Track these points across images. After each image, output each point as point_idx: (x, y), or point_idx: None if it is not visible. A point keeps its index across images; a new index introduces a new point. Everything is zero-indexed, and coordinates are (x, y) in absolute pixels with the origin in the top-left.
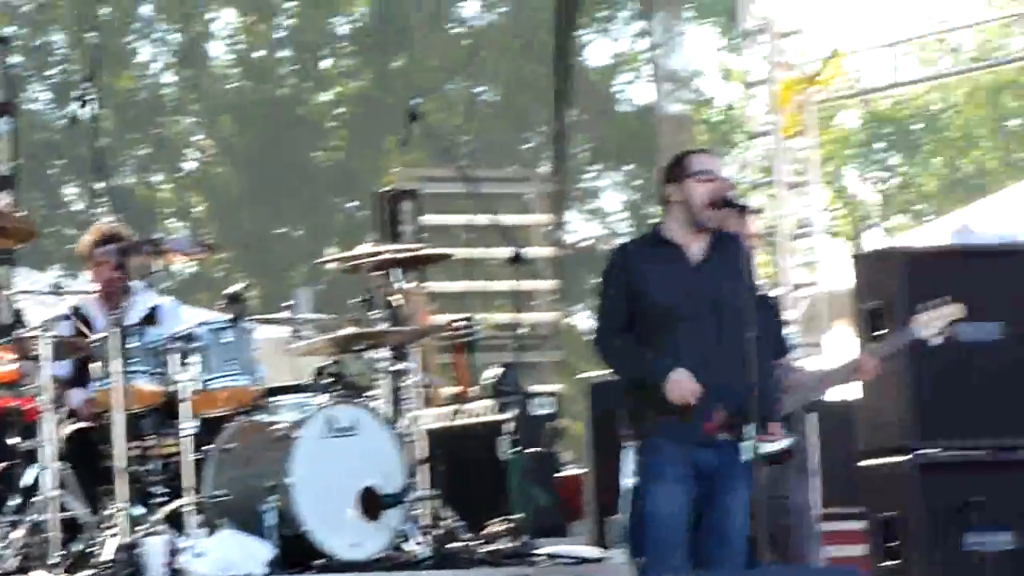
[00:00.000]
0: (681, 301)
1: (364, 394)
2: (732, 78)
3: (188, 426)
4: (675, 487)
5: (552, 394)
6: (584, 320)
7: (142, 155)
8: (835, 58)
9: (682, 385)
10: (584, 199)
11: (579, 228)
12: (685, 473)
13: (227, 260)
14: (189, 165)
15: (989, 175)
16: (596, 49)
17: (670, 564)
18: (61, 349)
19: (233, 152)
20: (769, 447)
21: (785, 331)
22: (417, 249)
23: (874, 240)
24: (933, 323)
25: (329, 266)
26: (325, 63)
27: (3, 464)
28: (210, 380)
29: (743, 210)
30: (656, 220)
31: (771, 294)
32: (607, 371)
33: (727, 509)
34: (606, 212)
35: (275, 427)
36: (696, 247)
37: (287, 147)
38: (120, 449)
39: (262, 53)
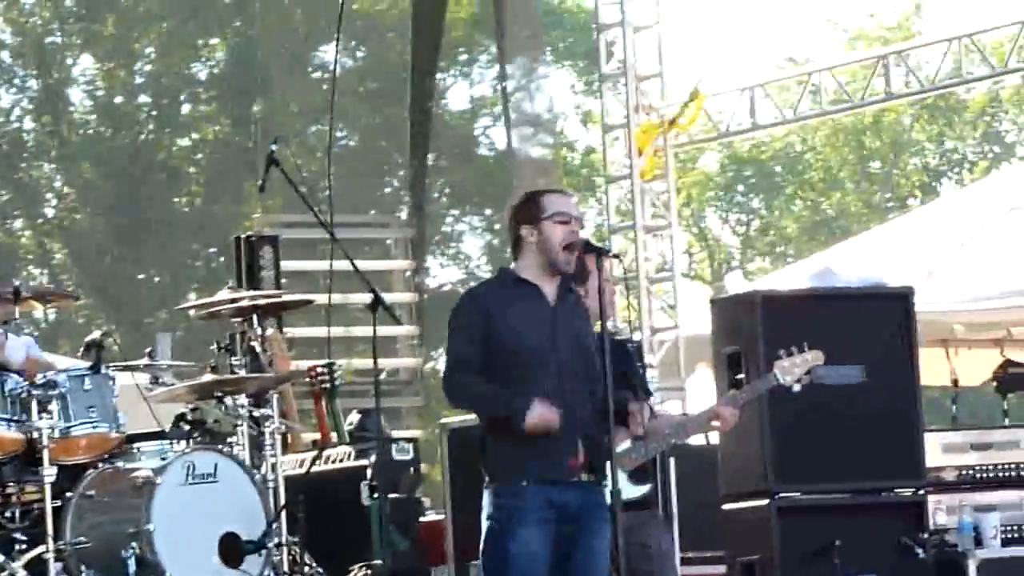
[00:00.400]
0: (543, 342)
1: (224, 441)
2: (591, 121)
3: (48, 473)
4: (536, 529)
5: (412, 440)
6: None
7: (2, 201)
8: (695, 100)
9: (544, 414)
10: (444, 243)
11: (439, 273)
12: (547, 516)
13: (87, 307)
14: (49, 211)
15: (851, 217)
16: (456, 93)
17: None
18: None
19: (93, 198)
20: (630, 492)
21: (646, 374)
22: (277, 295)
23: (735, 283)
24: (793, 370)
25: (189, 312)
26: (184, 108)
27: None
28: (70, 427)
29: (603, 253)
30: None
31: (632, 338)
32: (465, 415)
33: (592, 550)
34: (466, 256)
35: (136, 474)
36: (550, 288)
37: (147, 193)
38: None
39: (121, 99)
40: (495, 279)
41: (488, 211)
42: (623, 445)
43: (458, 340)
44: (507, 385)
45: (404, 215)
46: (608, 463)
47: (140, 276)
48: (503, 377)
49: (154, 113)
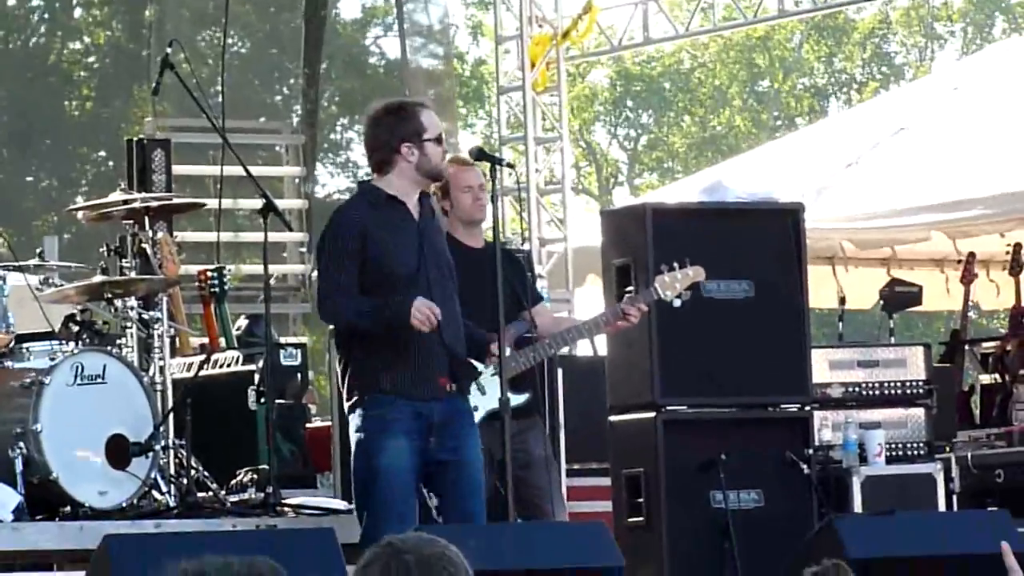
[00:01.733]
0: (412, 261)
1: (113, 342)
2: (482, 33)
3: None
4: (405, 440)
5: (301, 345)
6: None
7: None
8: (589, 13)
9: (422, 309)
10: (333, 151)
11: (328, 181)
12: (415, 427)
13: None
14: None
15: (739, 135)
16: (347, 2)
17: (400, 516)
18: None
19: None
20: (511, 401)
21: (536, 283)
22: (169, 198)
23: (622, 198)
24: (674, 284)
25: (79, 215)
26: (77, 12)
27: None
28: None
29: (498, 162)
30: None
31: (522, 247)
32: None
33: (462, 459)
34: (354, 164)
35: (24, 374)
36: (414, 204)
37: (37, 97)
38: None
39: (13, 2)
40: (363, 196)
41: None
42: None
43: (332, 264)
44: (372, 293)
45: (295, 122)
46: (486, 372)
47: (28, 179)
48: (375, 296)
49: (46, 16)
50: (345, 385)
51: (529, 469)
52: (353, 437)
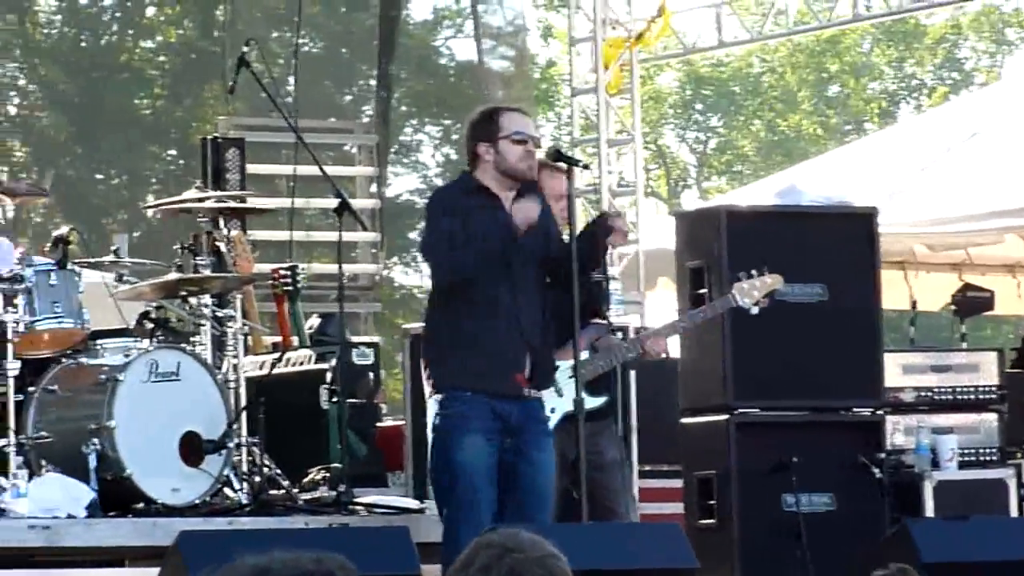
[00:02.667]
0: (499, 244)
1: (187, 340)
2: (552, 36)
3: (12, 367)
4: (481, 438)
5: (373, 344)
6: (401, 273)
7: None
8: (662, 16)
9: (525, 207)
10: (402, 153)
11: (395, 182)
12: (491, 425)
13: (46, 205)
14: (12, 109)
15: (808, 139)
16: (418, 4)
17: (477, 516)
18: None
19: (56, 98)
20: (587, 403)
21: (610, 286)
22: (245, 199)
23: (691, 201)
24: (752, 292)
25: (150, 212)
26: (149, 11)
27: None
28: (35, 321)
29: (575, 163)
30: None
31: None
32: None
33: (535, 462)
34: (423, 166)
35: (98, 370)
36: (507, 198)
37: (109, 94)
38: None
39: (85, 1)
40: (458, 183)
41: (447, 122)
42: (581, 356)
43: (440, 223)
44: (465, 287)
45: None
46: (562, 374)
47: (99, 176)
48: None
49: (118, 15)
50: (425, 376)
51: (602, 471)
52: (430, 432)
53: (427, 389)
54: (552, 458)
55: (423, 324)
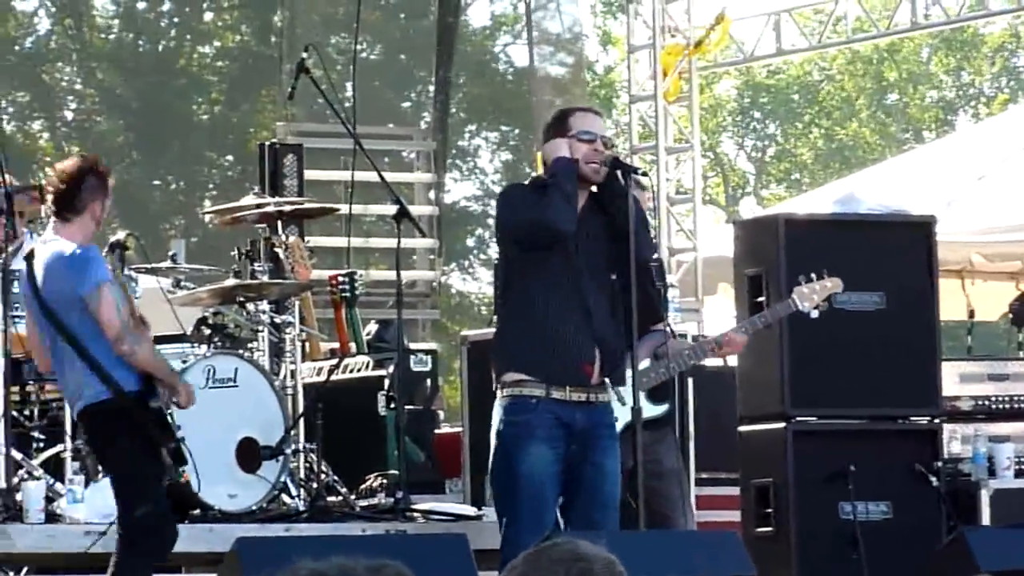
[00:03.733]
0: (568, 242)
1: (245, 346)
2: (611, 43)
3: None
4: (545, 446)
5: (430, 351)
6: (459, 280)
7: (22, 103)
8: (721, 23)
9: (558, 143)
10: (460, 159)
11: (454, 188)
12: (555, 433)
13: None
14: (68, 115)
15: (866, 147)
16: (476, 10)
17: (541, 523)
18: None
19: (113, 103)
20: (649, 411)
21: (668, 293)
22: (303, 203)
23: (749, 209)
24: (812, 296)
25: (207, 218)
26: (207, 16)
27: None
28: None
29: (633, 171)
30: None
31: (657, 256)
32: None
33: (602, 468)
34: (481, 171)
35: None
36: (578, 201)
37: (166, 99)
38: (1, 394)
39: (143, 5)
40: (528, 183)
41: (504, 128)
42: (643, 364)
43: (511, 200)
44: (528, 278)
45: (423, 128)
46: (627, 378)
47: (156, 182)
48: (528, 268)
49: (176, 20)
50: (493, 373)
51: (660, 479)
52: (493, 439)
53: (494, 384)
54: (618, 465)
55: (490, 329)
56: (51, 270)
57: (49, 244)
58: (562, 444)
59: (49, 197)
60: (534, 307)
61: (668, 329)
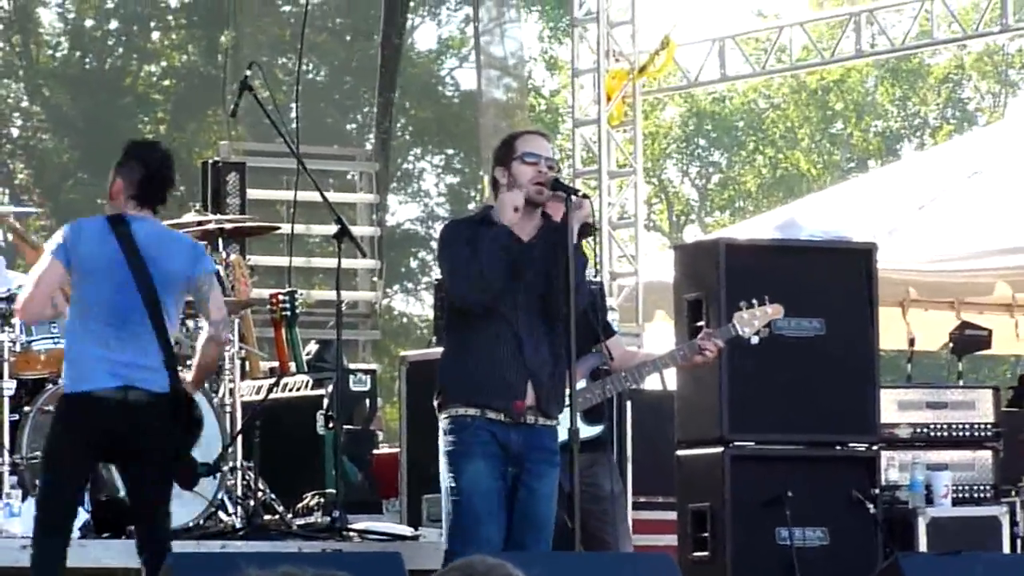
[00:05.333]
0: (504, 281)
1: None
2: (557, 68)
3: (7, 387)
4: (483, 462)
5: (370, 371)
6: (400, 302)
7: None
8: (666, 48)
9: (508, 199)
10: (405, 181)
11: (398, 210)
12: (493, 450)
13: (48, 228)
14: (15, 131)
15: (811, 176)
16: (423, 34)
17: (476, 542)
18: None
19: (59, 121)
20: (585, 432)
21: (609, 317)
22: (244, 220)
23: (693, 236)
24: (752, 322)
25: None
26: (154, 35)
27: None
28: (31, 341)
29: (573, 193)
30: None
31: (598, 279)
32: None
33: (536, 493)
34: (425, 194)
35: None
36: (528, 230)
37: (113, 118)
38: None
39: (91, 23)
40: (478, 214)
41: (449, 151)
42: (578, 384)
43: (448, 254)
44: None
45: (368, 150)
46: (566, 404)
47: (101, 201)
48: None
49: (123, 38)
50: (436, 390)
51: (598, 503)
52: (441, 458)
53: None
54: (554, 488)
55: (430, 350)
56: (166, 247)
57: (151, 222)
58: (500, 462)
59: (148, 183)
60: (468, 344)
61: (606, 351)
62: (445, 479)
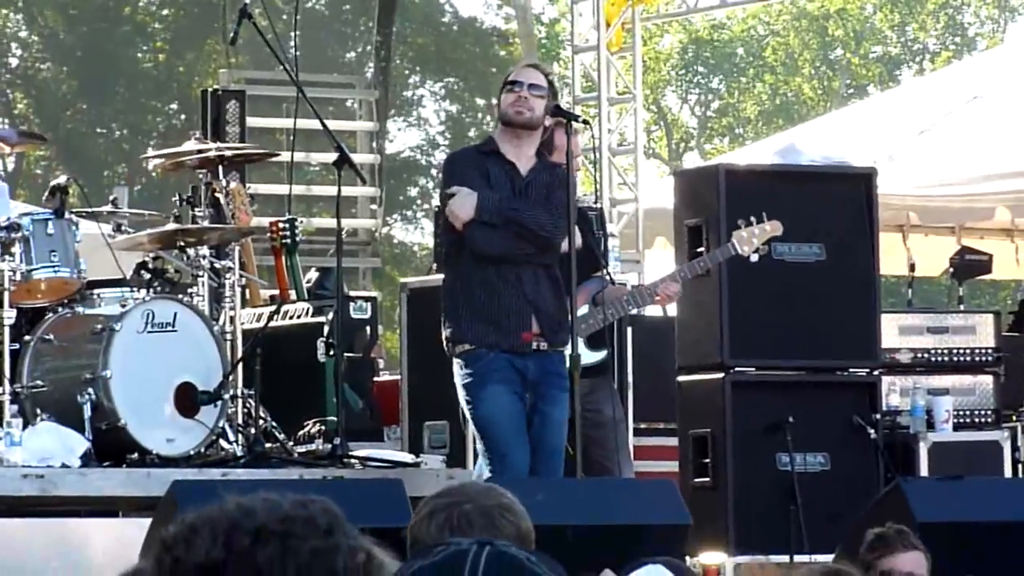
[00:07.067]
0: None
1: (184, 291)
2: None
3: (8, 315)
4: (503, 387)
5: (370, 299)
6: (401, 230)
7: None
8: None
9: (456, 202)
10: (404, 109)
11: (398, 137)
12: (511, 376)
13: (47, 157)
14: (13, 61)
15: (810, 102)
16: None
17: (507, 466)
18: None
19: (58, 50)
20: (587, 358)
21: (609, 243)
22: (244, 147)
23: (693, 163)
24: (751, 240)
25: (150, 165)
26: None
27: None
28: (32, 270)
29: (573, 119)
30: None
31: (596, 206)
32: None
33: (549, 419)
34: (425, 121)
35: (94, 320)
36: (523, 158)
37: (112, 47)
38: None
39: None
40: (478, 144)
41: (449, 79)
42: (580, 311)
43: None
44: (464, 251)
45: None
46: (568, 330)
47: (101, 129)
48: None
49: None
50: (444, 335)
51: (599, 429)
52: (460, 393)
53: (446, 347)
54: (565, 415)
55: (430, 277)
56: None
57: None
58: (519, 386)
59: None
60: (470, 281)
61: (607, 276)
62: (467, 411)
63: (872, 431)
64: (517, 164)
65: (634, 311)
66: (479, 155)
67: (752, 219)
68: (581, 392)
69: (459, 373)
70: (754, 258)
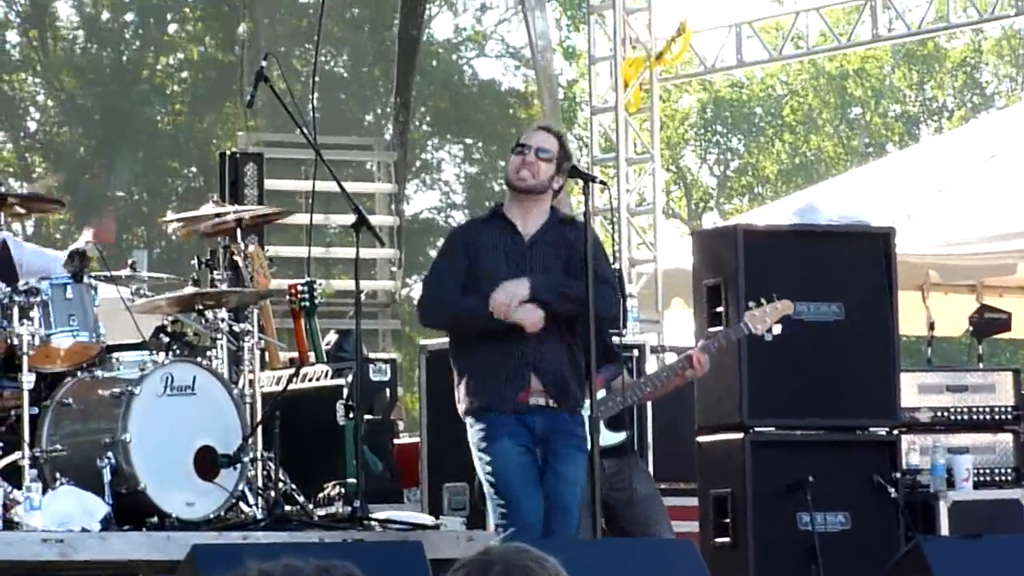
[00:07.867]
0: (510, 274)
1: (203, 354)
2: (574, 56)
3: (27, 380)
4: (510, 440)
5: (390, 361)
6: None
7: None
8: (682, 35)
9: (497, 298)
10: (423, 171)
11: (417, 199)
12: (519, 430)
13: (65, 221)
14: (32, 125)
15: (829, 161)
16: (440, 23)
17: (518, 520)
18: None
19: (76, 114)
20: (607, 439)
21: (627, 303)
22: (262, 209)
23: (711, 222)
24: (764, 319)
25: (169, 228)
26: (171, 28)
27: None
28: (51, 335)
29: (591, 180)
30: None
31: (616, 267)
32: (443, 339)
33: (561, 475)
34: (444, 183)
35: (113, 383)
36: (530, 225)
37: (129, 110)
38: None
39: (107, 16)
40: (483, 215)
41: (468, 140)
42: (598, 394)
43: (438, 268)
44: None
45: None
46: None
47: (120, 193)
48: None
49: (140, 31)
50: (458, 393)
51: (633, 507)
52: (473, 452)
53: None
54: (579, 473)
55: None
56: None
57: None
58: (528, 440)
59: None
60: (469, 341)
61: (621, 363)
62: (480, 470)
63: (892, 490)
64: (520, 225)
65: (652, 394)
66: (480, 225)
67: (763, 299)
68: (608, 472)
69: (470, 433)
70: (768, 337)
